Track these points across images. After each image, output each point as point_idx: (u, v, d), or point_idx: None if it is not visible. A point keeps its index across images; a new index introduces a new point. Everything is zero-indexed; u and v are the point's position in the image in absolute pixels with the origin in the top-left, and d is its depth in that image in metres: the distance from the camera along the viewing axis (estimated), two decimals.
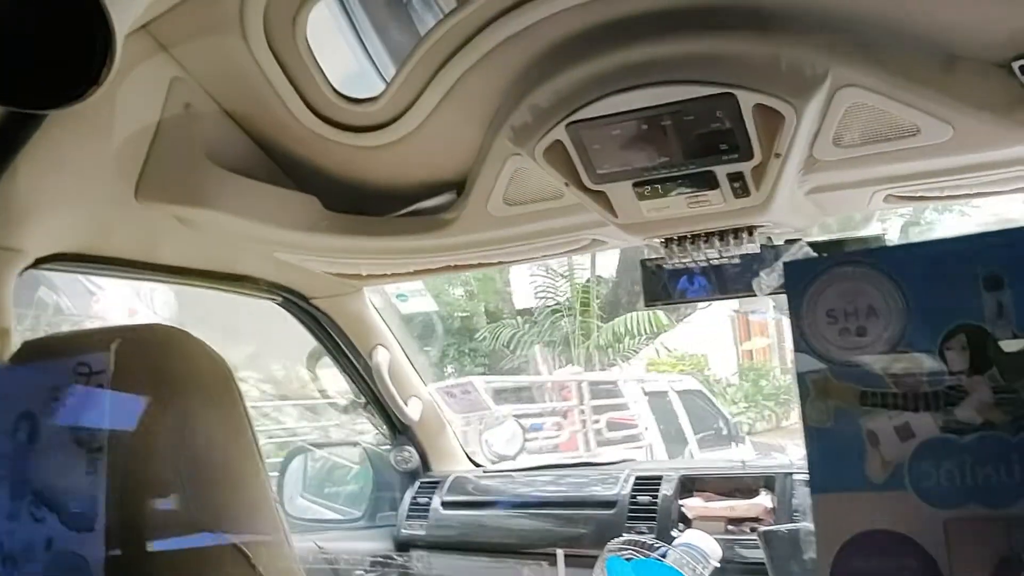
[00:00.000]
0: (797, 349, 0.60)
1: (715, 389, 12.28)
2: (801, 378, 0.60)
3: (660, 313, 11.55)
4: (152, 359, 1.02)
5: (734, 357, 14.09)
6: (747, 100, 1.28)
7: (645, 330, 12.39)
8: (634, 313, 12.11)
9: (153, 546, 0.94)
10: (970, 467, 0.55)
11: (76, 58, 0.97)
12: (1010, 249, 0.56)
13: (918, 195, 1.55)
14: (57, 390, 0.98)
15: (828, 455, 0.59)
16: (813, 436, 0.59)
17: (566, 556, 2.06)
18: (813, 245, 1.54)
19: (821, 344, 0.60)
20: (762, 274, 1.38)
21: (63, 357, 0.99)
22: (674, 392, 9.48)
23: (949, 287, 0.57)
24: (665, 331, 13.24)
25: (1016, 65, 1.23)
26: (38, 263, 1.44)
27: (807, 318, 0.60)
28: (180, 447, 0.99)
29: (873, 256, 0.60)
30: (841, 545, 0.58)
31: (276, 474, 2.79)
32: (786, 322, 0.61)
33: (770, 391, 12.87)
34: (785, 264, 0.62)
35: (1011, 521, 0.54)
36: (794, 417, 10.92)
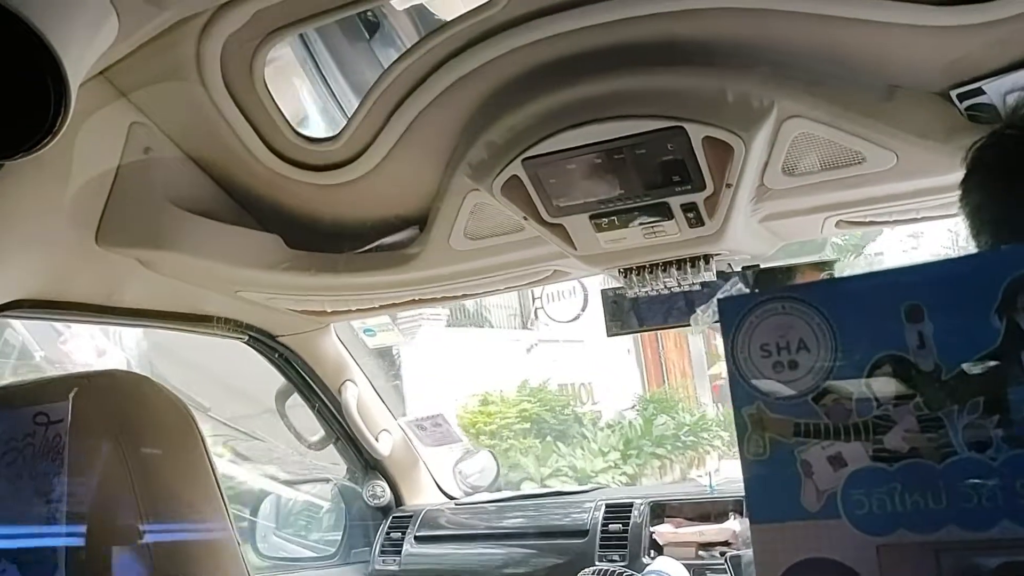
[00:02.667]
0: (732, 383, 0.62)
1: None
2: (738, 412, 0.61)
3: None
4: (111, 406, 1.02)
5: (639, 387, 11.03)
6: (696, 133, 1.31)
7: None
8: None
9: None
10: (899, 494, 0.57)
11: (31, 108, 0.98)
12: (928, 282, 0.58)
13: (868, 220, 1.59)
14: (15, 440, 0.98)
15: (765, 486, 0.61)
16: (750, 468, 0.61)
17: None
18: (764, 272, 1.57)
19: (756, 377, 0.62)
20: (699, 310, 1.40)
21: (21, 406, 0.99)
22: None
23: (874, 320, 0.59)
24: None
25: (954, 93, 1.28)
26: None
27: (742, 352, 0.62)
28: (141, 494, 0.99)
29: (803, 291, 0.62)
30: (780, 574, 0.59)
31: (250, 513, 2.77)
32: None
33: (664, 434, 9.24)
34: (719, 301, 0.64)
35: (939, 546, 0.56)
36: (701, 461, 9.02)
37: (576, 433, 9.23)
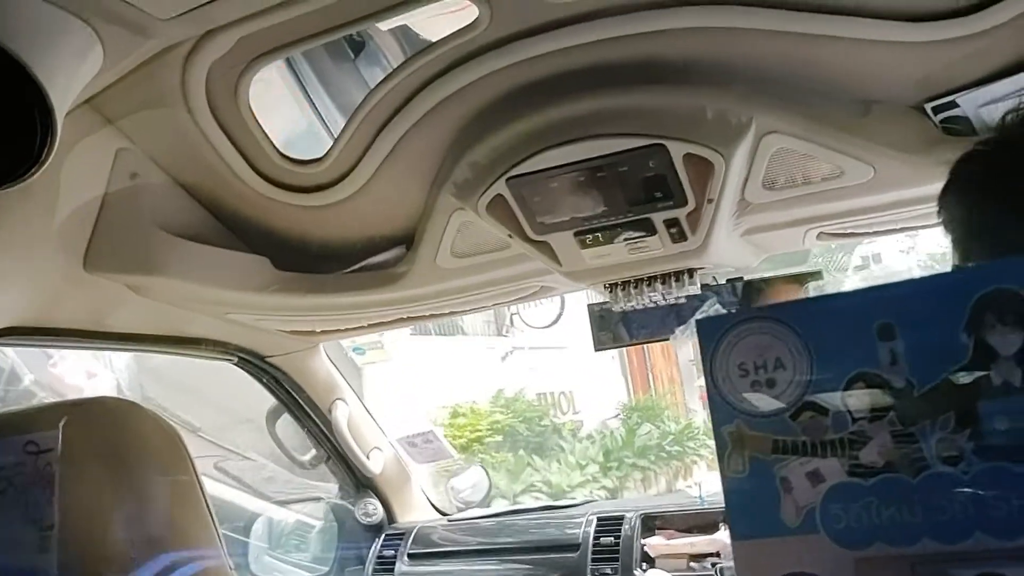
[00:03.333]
0: (711, 401, 0.63)
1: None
2: (718, 430, 0.63)
3: None
4: (101, 433, 1.02)
5: (623, 394, 10.85)
6: (677, 150, 1.33)
7: None
8: None
9: None
10: (876, 508, 0.58)
11: (17, 138, 0.99)
12: (899, 301, 0.60)
13: (848, 232, 1.61)
14: (6, 469, 0.98)
15: (745, 503, 0.62)
16: (731, 485, 0.62)
17: None
18: (751, 283, 1.59)
19: (735, 396, 0.63)
20: (677, 330, 1.42)
21: (11, 435, 0.99)
22: None
23: (848, 338, 0.60)
24: None
25: (929, 107, 1.30)
26: None
27: (720, 371, 0.63)
28: (132, 520, 1.00)
29: (778, 311, 0.63)
30: None
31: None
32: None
33: (647, 444, 8.85)
34: (697, 322, 0.65)
35: (915, 559, 0.57)
36: (687, 471, 8.73)
37: (554, 445, 8.84)
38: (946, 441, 0.57)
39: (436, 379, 8.06)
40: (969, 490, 0.56)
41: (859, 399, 0.60)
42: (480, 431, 8.36)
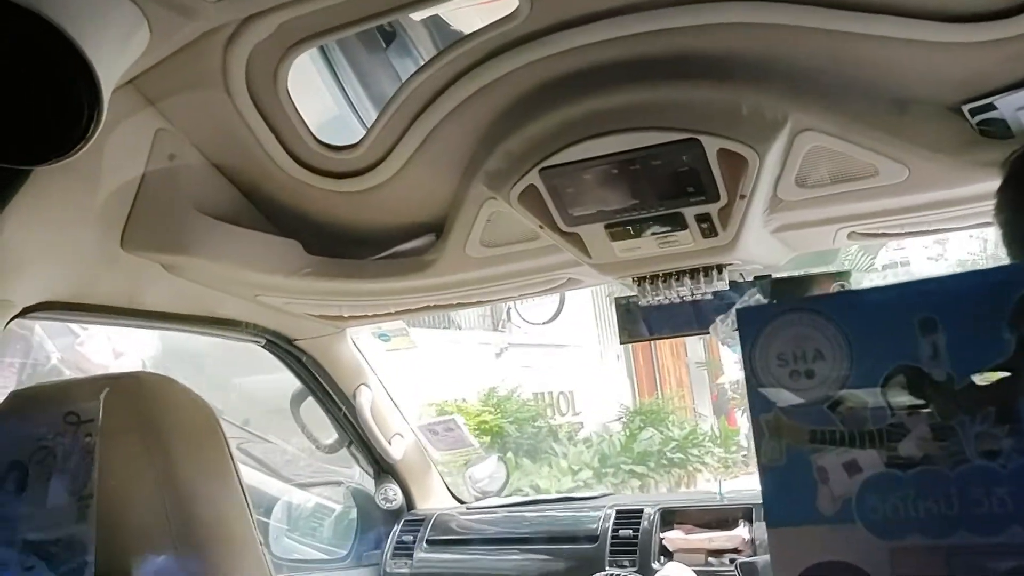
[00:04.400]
0: (750, 391, 0.64)
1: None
2: (755, 420, 0.63)
3: None
4: (139, 407, 1.05)
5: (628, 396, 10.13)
6: (711, 145, 1.33)
7: None
8: None
9: None
10: (912, 500, 0.59)
11: (64, 114, 1.01)
12: (942, 295, 0.60)
13: (879, 232, 1.61)
14: (46, 439, 1.00)
15: (781, 491, 0.63)
16: (767, 474, 0.63)
17: None
18: (779, 280, 1.59)
19: (773, 386, 0.64)
20: (718, 320, 1.42)
21: (52, 406, 1.01)
22: None
23: (889, 331, 0.61)
24: None
25: (966, 108, 1.29)
26: (25, 312, 1.46)
27: (759, 361, 0.64)
28: (167, 494, 1.02)
29: (819, 303, 0.64)
30: None
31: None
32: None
33: (647, 450, 8.25)
34: (738, 311, 0.66)
35: (950, 550, 0.58)
36: (690, 480, 8.10)
37: (548, 448, 8.33)
38: (985, 435, 0.58)
39: (426, 374, 7.54)
40: (1007, 484, 0.57)
41: (899, 392, 0.60)
42: None
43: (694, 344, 10.17)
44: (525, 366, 9.10)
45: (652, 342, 8.02)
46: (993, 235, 0.95)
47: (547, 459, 8.12)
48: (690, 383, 10.89)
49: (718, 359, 9.75)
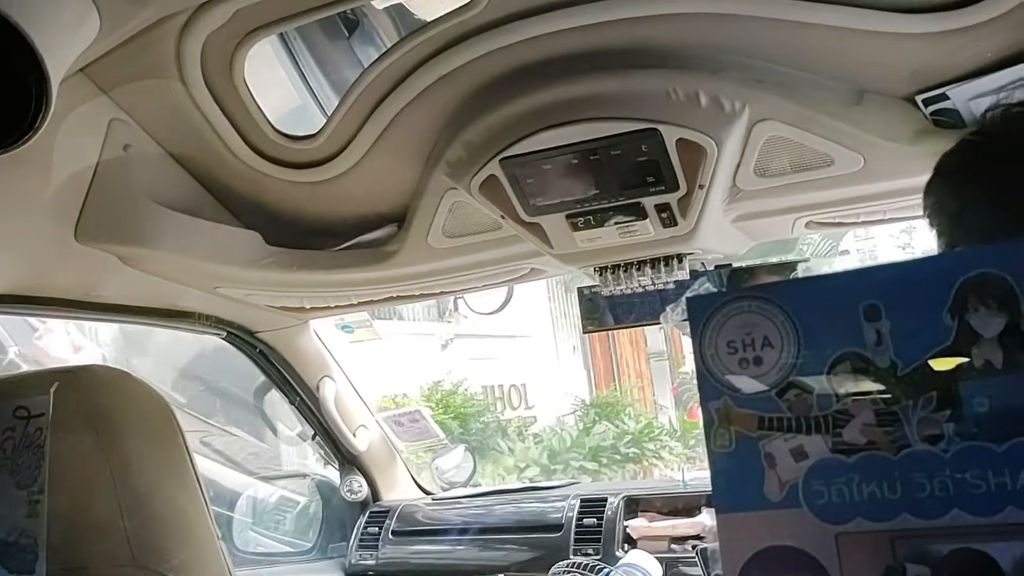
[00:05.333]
0: (700, 379, 0.64)
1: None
2: (705, 407, 0.64)
3: None
4: (91, 401, 1.03)
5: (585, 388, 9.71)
6: (670, 135, 1.34)
7: None
8: None
9: None
10: (857, 485, 0.60)
11: (11, 103, 0.99)
12: (886, 282, 0.61)
13: (836, 221, 1.63)
14: None
15: (730, 477, 0.63)
16: (717, 460, 0.63)
17: None
18: (736, 270, 1.60)
19: (722, 374, 0.64)
20: (668, 308, 1.43)
21: (0, 401, 0.99)
22: None
23: (835, 318, 0.62)
24: None
25: (920, 99, 1.31)
26: None
27: (709, 349, 0.64)
28: (122, 487, 1.00)
29: (767, 291, 0.65)
30: (744, 561, 0.62)
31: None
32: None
33: (600, 444, 7.71)
34: (687, 299, 0.66)
35: (894, 534, 0.58)
36: (645, 475, 7.39)
37: (495, 445, 7.94)
38: (927, 421, 0.58)
39: (363, 366, 7.24)
40: (948, 468, 0.58)
41: (844, 378, 0.61)
42: None
43: (654, 334, 9.90)
44: (473, 358, 8.75)
45: (610, 332, 7.86)
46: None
47: (493, 456, 7.72)
48: (650, 375, 10.56)
49: (680, 350, 9.50)
